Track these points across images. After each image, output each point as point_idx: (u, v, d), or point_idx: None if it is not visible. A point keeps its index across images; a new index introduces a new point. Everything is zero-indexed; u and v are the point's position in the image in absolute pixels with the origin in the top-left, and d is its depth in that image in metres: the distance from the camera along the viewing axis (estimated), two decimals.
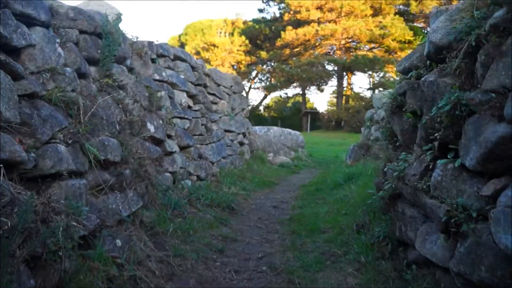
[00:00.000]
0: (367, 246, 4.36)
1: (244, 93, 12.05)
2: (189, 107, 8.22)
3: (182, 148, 7.39)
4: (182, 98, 7.83)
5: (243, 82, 56.69)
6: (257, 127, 14.68)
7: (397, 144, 4.58)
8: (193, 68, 8.65)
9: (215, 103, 10.07)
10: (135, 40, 6.64)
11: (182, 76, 7.94)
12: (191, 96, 8.32)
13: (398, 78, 4.75)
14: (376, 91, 46.74)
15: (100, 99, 4.75)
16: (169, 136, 6.95)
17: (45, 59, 3.78)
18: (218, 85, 10.36)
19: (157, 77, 7.00)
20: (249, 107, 12.35)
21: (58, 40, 4.18)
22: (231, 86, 11.31)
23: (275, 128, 15.21)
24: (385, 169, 4.36)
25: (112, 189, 4.36)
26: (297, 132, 15.82)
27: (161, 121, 6.52)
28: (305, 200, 7.75)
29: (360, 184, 7.74)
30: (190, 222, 5.45)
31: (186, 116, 7.74)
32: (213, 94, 9.93)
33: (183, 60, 8.21)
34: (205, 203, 6.46)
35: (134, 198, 4.62)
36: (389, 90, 5.62)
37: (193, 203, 6.34)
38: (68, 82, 4.08)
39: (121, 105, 5.38)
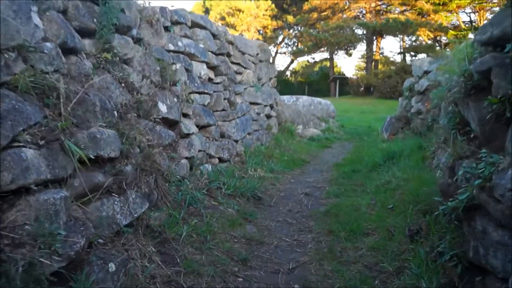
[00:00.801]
0: (428, 265, 3.37)
1: (271, 61, 10.88)
2: (210, 79, 7.24)
3: (202, 128, 6.46)
4: (201, 70, 6.84)
5: (270, 47, 55.27)
6: (285, 97, 13.61)
7: (472, 136, 3.51)
8: (214, 35, 7.63)
9: (240, 73, 9.06)
10: (145, 5, 5.66)
11: (201, 45, 6.94)
12: (212, 67, 7.33)
13: (476, 50, 3.61)
14: (407, 55, 44.83)
15: (96, 79, 3.82)
16: (186, 115, 6.02)
17: (9, 33, 2.84)
18: (243, 54, 9.33)
19: (171, 48, 6.01)
20: (276, 75, 11.15)
21: (35, 8, 3.22)
22: (257, 54, 10.24)
23: (304, 97, 14.10)
24: (458, 171, 3.31)
25: (109, 192, 3.48)
26: (328, 101, 14.68)
27: (175, 99, 5.58)
28: (340, 186, 6.75)
29: (403, 167, 6.73)
30: (208, 221, 4.55)
31: (206, 91, 6.77)
32: (238, 64, 8.92)
33: (202, 27, 7.18)
34: (226, 193, 5.55)
35: (137, 201, 3.73)
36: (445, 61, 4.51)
37: (213, 193, 5.44)
38: (48, 61, 3.14)
39: (124, 83, 4.45)
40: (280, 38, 52.92)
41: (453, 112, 3.83)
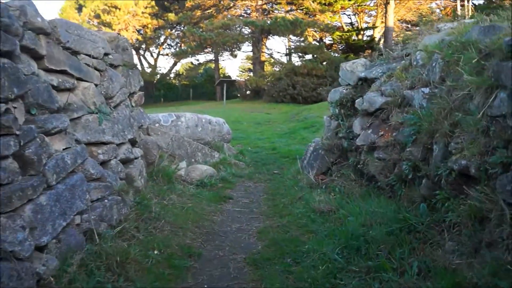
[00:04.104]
0: None
1: (134, 65, 6.44)
2: None
3: None
4: None
5: (152, 49, 50.09)
6: (160, 115, 9.23)
7: None
8: None
9: (66, 90, 4.69)
10: None
11: None
12: None
13: None
14: (295, 56, 42.40)
15: None
16: None
17: None
18: (75, 53, 4.96)
19: None
20: (142, 85, 6.55)
21: None
22: (107, 55, 5.86)
23: (188, 114, 9.74)
24: None
25: None
26: (220, 119, 10.46)
27: None
28: None
29: None
30: None
31: None
32: (61, 72, 4.55)
33: None
34: None
35: None
36: None
37: None
38: None
39: None
40: (162, 39, 48.28)
41: None
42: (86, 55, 5.26)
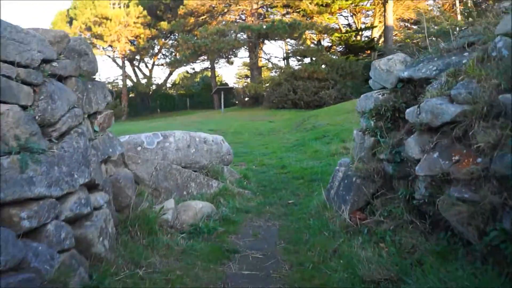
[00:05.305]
0: None
1: (97, 74, 4.39)
2: None
3: None
4: None
5: (146, 59, 48.11)
6: (143, 136, 7.22)
7: None
8: None
9: None
10: None
11: None
12: None
13: None
14: (293, 60, 40.55)
15: None
16: None
17: None
18: None
19: None
20: (111, 102, 4.41)
21: None
22: (47, 62, 3.92)
23: (177, 133, 7.70)
24: None
25: None
26: (218, 137, 8.40)
27: None
28: None
29: None
30: None
31: None
32: None
33: None
34: None
35: None
36: None
37: None
38: None
39: None
40: (156, 49, 46.45)
41: None
42: (7, 62, 3.33)
